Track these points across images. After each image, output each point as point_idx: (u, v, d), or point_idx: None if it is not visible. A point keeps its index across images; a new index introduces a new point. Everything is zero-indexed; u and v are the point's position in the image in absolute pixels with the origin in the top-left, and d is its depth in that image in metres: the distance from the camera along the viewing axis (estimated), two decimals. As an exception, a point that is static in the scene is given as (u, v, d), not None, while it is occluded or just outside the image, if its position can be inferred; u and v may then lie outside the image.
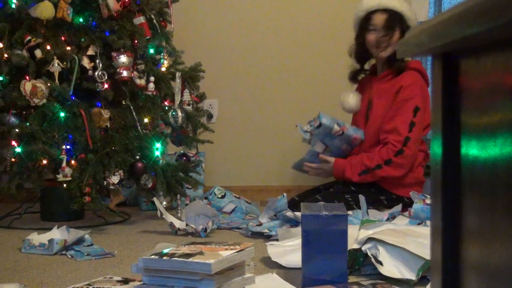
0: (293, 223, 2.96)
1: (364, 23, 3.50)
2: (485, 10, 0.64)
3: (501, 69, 0.75)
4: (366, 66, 3.68)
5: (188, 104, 3.55)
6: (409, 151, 3.30)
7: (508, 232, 0.72)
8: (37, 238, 2.73)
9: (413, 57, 3.46)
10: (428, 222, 2.66)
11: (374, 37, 3.46)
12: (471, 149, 0.85)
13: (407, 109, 3.32)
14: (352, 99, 3.58)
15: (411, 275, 2.07)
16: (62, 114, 3.19)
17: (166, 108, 3.51)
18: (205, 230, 2.98)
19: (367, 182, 3.40)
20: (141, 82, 3.38)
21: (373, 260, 2.15)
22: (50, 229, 2.82)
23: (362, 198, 2.95)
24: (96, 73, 3.22)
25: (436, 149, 0.93)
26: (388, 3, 3.45)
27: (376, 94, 3.48)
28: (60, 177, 3.13)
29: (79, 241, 2.71)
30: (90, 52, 3.26)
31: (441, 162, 0.91)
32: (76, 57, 3.19)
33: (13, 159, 3.18)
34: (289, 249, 2.44)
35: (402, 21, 3.43)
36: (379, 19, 3.45)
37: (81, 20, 3.32)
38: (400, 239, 2.18)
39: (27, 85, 3.11)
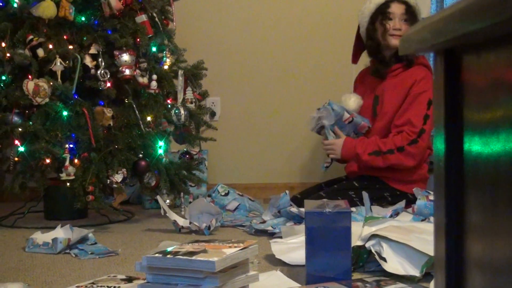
0: (297, 220, 2.96)
1: (383, 11, 3.48)
2: (487, 6, 0.64)
3: (503, 64, 0.75)
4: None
5: (191, 102, 3.55)
6: (422, 143, 3.30)
7: (511, 228, 0.72)
8: (40, 237, 2.73)
9: (417, 54, 3.46)
10: (432, 219, 2.66)
11: (393, 24, 3.46)
12: (474, 145, 0.85)
13: (420, 102, 3.32)
14: (354, 102, 3.58)
15: (415, 272, 2.07)
16: (65, 113, 3.19)
17: (169, 106, 3.51)
18: (209, 228, 2.98)
19: (369, 175, 3.40)
20: (143, 80, 3.37)
21: (377, 256, 2.15)
22: (53, 228, 2.82)
23: (365, 195, 2.95)
24: (98, 72, 3.22)
25: (439, 145, 0.93)
26: None
27: (387, 89, 3.47)
28: (63, 176, 3.13)
29: (83, 239, 2.71)
30: (93, 50, 3.26)
31: (444, 158, 0.91)
32: (79, 56, 3.19)
33: (16, 158, 3.19)
34: (292, 246, 2.44)
35: (414, 12, 3.45)
36: (398, 8, 3.47)
37: (83, 19, 3.32)
38: (404, 236, 2.18)
39: (29, 84, 3.11)
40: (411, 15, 3.45)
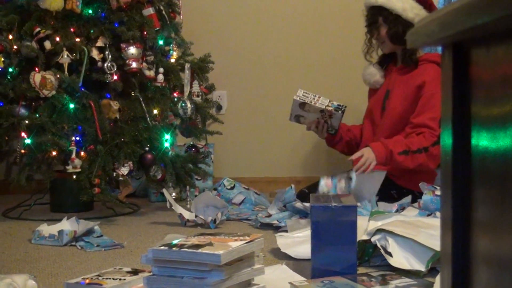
0: (303, 214, 2.96)
1: (367, 22, 3.50)
2: (496, -1, 0.64)
3: (512, 59, 0.74)
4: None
5: (197, 96, 3.55)
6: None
7: (519, 223, 0.72)
8: (47, 229, 2.74)
9: (424, 48, 3.44)
10: (438, 214, 2.66)
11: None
12: (482, 140, 0.84)
13: (434, 105, 3.27)
14: (376, 72, 3.54)
15: (420, 266, 2.06)
16: (71, 106, 3.19)
17: (176, 99, 3.51)
18: (214, 221, 2.98)
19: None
20: (150, 73, 3.38)
21: (382, 251, 2.15)
22: (59, 220, 2.83)
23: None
24: (105, 65, 3.22)
25: (446, 140, 0.92)
26: (370, 0, 3.43)
27: (395, 85, 3.45)
28: (69, 168, 3.14)
29: (89, 232, 2.72)
30: (99, 43, 3.26)
31: (451, 153, 0.91)
32: (85, 49, 3.20)
33: (23, 151, 3.19)
34: (298, 240, 2.44)
35: (385, 13, 3.39)
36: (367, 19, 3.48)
37: (90, 11, 3.31)
38: (410, 230, 2.17)
39: (36, 77, 3.11)
40: (373, 19, 3.43)
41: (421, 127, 3.27)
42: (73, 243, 2.64)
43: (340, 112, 3.42)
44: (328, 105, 3.41)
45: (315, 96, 3.42)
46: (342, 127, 3.58)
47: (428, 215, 2.74)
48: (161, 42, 3.49)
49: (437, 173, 3.46)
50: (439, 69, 3.29)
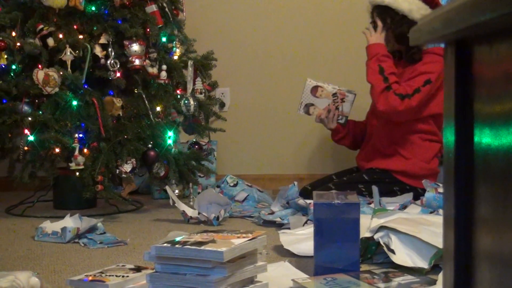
0: (305, 211, 2.96)
1: (372, 20, 3.51)
2: (499, -4, 0.63)
3: (515, 56, 0.74)
4: None
5: (200, 93, 3.55)
6: (400, 106, 3.25)
7: (521, 221, 0.72)
8: (50, 226, 2.74)
9: (427, 45, 3.43)
10: (441, 211, 2.66)
11: None
12: (484, 137, 0.84)
13: (418, 79, 3.29)
14: None
15: (423, 264, 2.06)
16: (74, 103, 3.19)
17: (178, 96, 3.51)
18: (217, 218, 2.98)
19: (380, 168, 3.39)
20: (153, 70, 3.38)
21: (385, 248, 2.15)
22: (62, 217, 2.83)
23: (375, 188, 2.94)
24: (108, 62, 3.23)
25: (449, 137, 0.92)
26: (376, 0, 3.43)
27: (400, 78, 3.45)
28: (72, 165, 3.14)
29: (92, 229, 2.72)
30: (103, 40, 3.27)
31: (454, 150, 0.91)
32: (89, 46, 3.20)
33: (26, 148, 3.20)
34: (301, 238, 2.44)
35: (391, 13, 3.38)
36: (374, 18, 3.47)
37: (93, 8, 3.32)
38: (413, 228, 2.17)
39: (39, 74, 3.12)
40: (378, 18, 3.45)
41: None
42: (76, 240, 2.64)
43: (353, 94, 3.46)
44: (340, 88, 3.45)
45: (325, 82, 3.48)
46: (349, 122, 3.60)
47: (431, 212, 2.74)
48: (164, 39, 3.49)
49: (439, 170, 3.46)
50: (439, 58, 3.31)
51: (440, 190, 2.82)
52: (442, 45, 3.30)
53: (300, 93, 3.53)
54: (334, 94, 3.49)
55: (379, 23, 3.41)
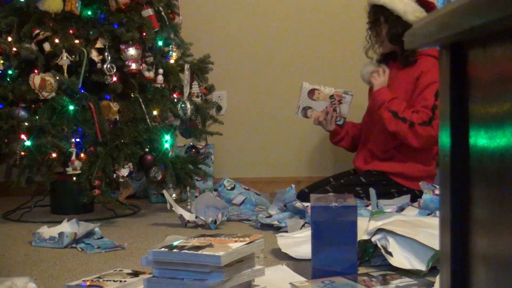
0: (303, 214, 2.96)
1: (369, 20, 3.53)
2: (493, 0, 0.64)
3: (509, 59, 0.74)
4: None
5: (197, 96, 3.55)
6: (432, 130, 3.27)
7: (517, 223, 0.72)
8: (47, 231, 2.74)
9: (422, 48, 3.44)
10: (438, 213, 2.66)
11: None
12: (480, 140, 0.84)
13: (428, 93, 3.30)
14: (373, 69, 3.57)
15: (421, 266, 2.06)
16: (71, 107, 3.19)
17: (175, 100, 3.51)
18: (215, 222, 2.98)
19: (377, 171, 3.40)
20: (149, 74, 3.38)
21: (383, 251, 2.15)
22: (60, 222, 2.83)
23: (372, 191, 2.94)
24: (104, 66, 3.23)
25: (445, 139, 0.92)
26: None
27: (395, 80, 3.46)
28: (69, 170, 3.14)
29: (89, 234, 2.72)
30: (99, 45, 3.26)
31: (450, 152, 0.91)
32: (85, 50, 3.20)
33: (22, 153, 3.19)
34: (298, 241, 2.44)
35: (386, 13, 3.40)
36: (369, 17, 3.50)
37: (89, 13, 3.32)
38: (410, 230, 2.18)
39: (36, 79, 3.11)
40: (375, 18, 3.47)
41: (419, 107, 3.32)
42: (74, 245, 2.64)
43: (349, 95, 3.48)
44: (337, 90, 3.47)
45: (321, 85, 3.50)
46: (347, 123, 3.61)
47: (428, 214, 2.74)
48: (160, 43, 3.49)
49: (436, 172, 3.46)
50: (436, 61, 3.33)
51: (438, 192, 2.82)
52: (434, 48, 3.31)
53: (296, 96, 3.54)
54: (331, 96, 3.50)
55: (386, 69, 3.45)
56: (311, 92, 3.50)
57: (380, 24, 3.44)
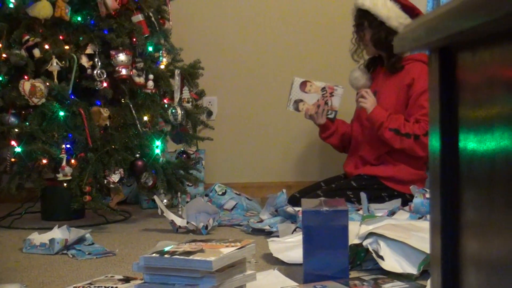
0: (294, 219, 2.96)
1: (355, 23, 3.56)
2: (482, 4, 0.64)
3: (498, 62, 0.75)
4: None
5: (188, 102, 3.55)
6: None
7: (507, 225, 0.72)
8: (38, 237, 2.73)
9: (411, 52, 3.45)
10: (429, 217, 2.66)
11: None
12: (469, 143, 0.85)
13: (424, 101, 3.31)
14: (362, 76, 3.58)
15: (412, 270, 2.07)
16: (61, 113, 3.18)
17: (166, 105, 3.51)
18: (206, 227, 2.98)
19: (367, 175, 3.41)
20: (140, 80, 3.37)
21: (374, 255, 2.15)
22: (51, 228, 2.82)
23: (363, 195, 2.95)
24: (95, 72, 3.22)
25: (434, 143, 0.93)
26: (357, 2, 3.47)
27: (383, 87, 3.47)
28: (60, 176, 3.13)
29: (80, 240, 2.71)
30: (89, 50, 3.26)
31: (440, 156, 0.91)
32: (75, 56, 3.19)
33: (13, 159, 3.18)
34: (290, 245, 2.44)
35: (370, 18, 3.42)
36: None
37: (79, 18, 3.31)
38: (401, 234, 2.18)
39: (26, 85, 3.11)
40: (359, 21, 3.49)
41: (420, 116, 3.31)
42: (65, 252, 2.63)
43: (341, 88, 3.50)
44: (328, 83, 3.53)
45: (311, 80, 3.53)
46: (337, 120, 3.61)
47: (419, 218, 2.75)
48: (150, 49, 3.49)
49: (427, 176, 3.47)
50: (425, 66, 3.34)
51: (428, 195, 2.82)
52: (425, 52, 3.33)
53: (288, 95, 3.54)
54: (323, 89, 3.52)
55: (368, 90, 3.46)
56: (303, 84, 3.51)
57: (364, 28, 3.46)
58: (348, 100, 3.67)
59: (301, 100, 3.54)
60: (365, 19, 3.44)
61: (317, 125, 3.63)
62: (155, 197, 3.21)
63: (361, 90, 3.47)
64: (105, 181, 3.24)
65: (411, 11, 3.41)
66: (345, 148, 3.74)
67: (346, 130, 3.68)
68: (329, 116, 3.56)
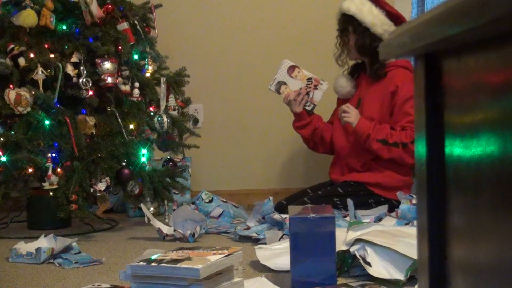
0: (281, 226, 2.96)
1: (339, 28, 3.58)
2: (466, 11, 0.64)
3: (483, 68, 0.75)
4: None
5: (174, 109, 3.55)
6: None
7: (493, 231, 0.72)
8: (24, 247, 2.71)
9: (396, 58, 3.47)
10: (416, 222, 2.67)
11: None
12: (455, 149, 0.85)
13: (410, 108, 3.31)
14: (347, 83, 3.59)
15: (399, 275, 2.07)
16: (47, 122, 3.17)
17: (152, 113, 3.50)
18: (193, 235, 2.97)
19: (354, 181, 3.41)
20: (125, 88, 3.37)
21: (361, 261, 2.15)
22: (37, 237, 2.80)
23: (350, 202, 2.95)
24: (80, 80, 3.21)
25: (421, 149, 0.93)
26: (343, 7, 3.49)
27: (367, 93, 3.48)
28: (46, 185, 3.11)
29: (67, 249, 2.69)
30: (74, 59, 3.25)
31: (426, 162, 0.91)
32: (60, 65, 3.18)
33: (-2, 168, 3.17)
34: (277, 252, 2.44)
35: (355, 23, 3.44)
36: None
37: (64, 27, 3.31)
38: (388, 240, 2.18)
39: (11, 94, 3.09)
40: (344, 26, 3.52)
41: (407, 123, 3.32)
42: (51, 261, 2.62)
43: (326, 83, 3.54)
44: (315, 76, 3.55)
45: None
46: (315, 115, 3.61)
47: (406, 224, 2.76)
48: (136, 57, 3.49)
49: (413, 182, 3.48)
50: (409, 73, 3.35)
51: (415, 201, 2.83)
52: (410, 58, 3.35)
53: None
54: (309, 79, 3.53)
55: (347, 104, 3.47)
56: (291, 69, 3.53)
57: (348, 33, 3.48)
58: (328, 99, 3.67)
59: (285, 83, 3.55)
60: (350, 24, 3.46)
61: (293, 112, 3.62)
62: (142, 205, 3.20)
63: (342, 106, 3.48)
64: (92, 190, 3.23)
65: (396, 19, 3.43)
66: (315, 145, 3.71)
67: (321, 126, 3.65)
68: (307, 107, 3.56)
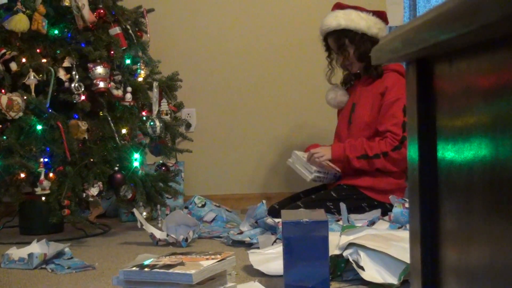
0: (274, 230, 2.96)
1: (326, 48, 3.57)
2: (457, 16, 0.65)
3: (474, 72, 0.75)
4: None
5: (166, 114, 3.54)
6: (405, 150, 3.30)
7: (485, 234, 0.72)
8: (16, 252, 2.70)
9: (389, 63, 3.48)
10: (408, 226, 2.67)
11: (338, 60, 3.57)
12: (447, 153, 0.85)
13: (396, 110, 3.33)
14: (336, 94, 3.61)
15: (393, 280, 2.07)
16: (39, 127, 3.16)
17: (144, 118, 3.50)
18: (186, 240, 2.97)
19: (347, 185, 3.42)
20: (118, 92, 3.36)
21: (354, 265, 2.15)
22: (29, 243, 2.79)
23: (343, 206, 2.95)
24: (72, 85, 3.21)
25: (413, 153, 0.93)
26: (330, 26, 3.49)
27: (360, 98, 3.50)
28: (38, 190, 3.11)
29: (59, 254, 2.69)
30: (66, 64, 3.24)
31: (418, 166, 0.92)
32: (52, 69, 3.18)
33: (-10, 174, 3.16)
34: (270, 257, 2.44)
35: (351, 34, 3.45)
36: (331, 43, 3.54)
37: (56, 32, 3.30)
38: (381, 244, 2.18)
39: (3, 99, 3.09)
40: (340, 42, 3.50)
41: (385, 133, 3.34)
42: (44, 266, 2.61)
43: (336, 176, 3.57)
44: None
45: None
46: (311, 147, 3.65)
47: (399, 227, 2.76)
48: (128, 61, 3.49)
49: (406, 185, 3.49)
50: (400, 77, 3.37)
51: (407, 205, 2.83)
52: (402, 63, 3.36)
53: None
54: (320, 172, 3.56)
55: (314, 150, 3.51)
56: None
57: (347, 47, 3.48)
58: (328, 119, 3.68)
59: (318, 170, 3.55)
60: (345, 38, 3.47)
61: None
62: (135, 210, 3.19)
63: (308, 153, 3.54)
64: (84, 195, 3.22)
65: (381, 15, 3.49)
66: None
67: None
68: (316, 179, 3.58)
